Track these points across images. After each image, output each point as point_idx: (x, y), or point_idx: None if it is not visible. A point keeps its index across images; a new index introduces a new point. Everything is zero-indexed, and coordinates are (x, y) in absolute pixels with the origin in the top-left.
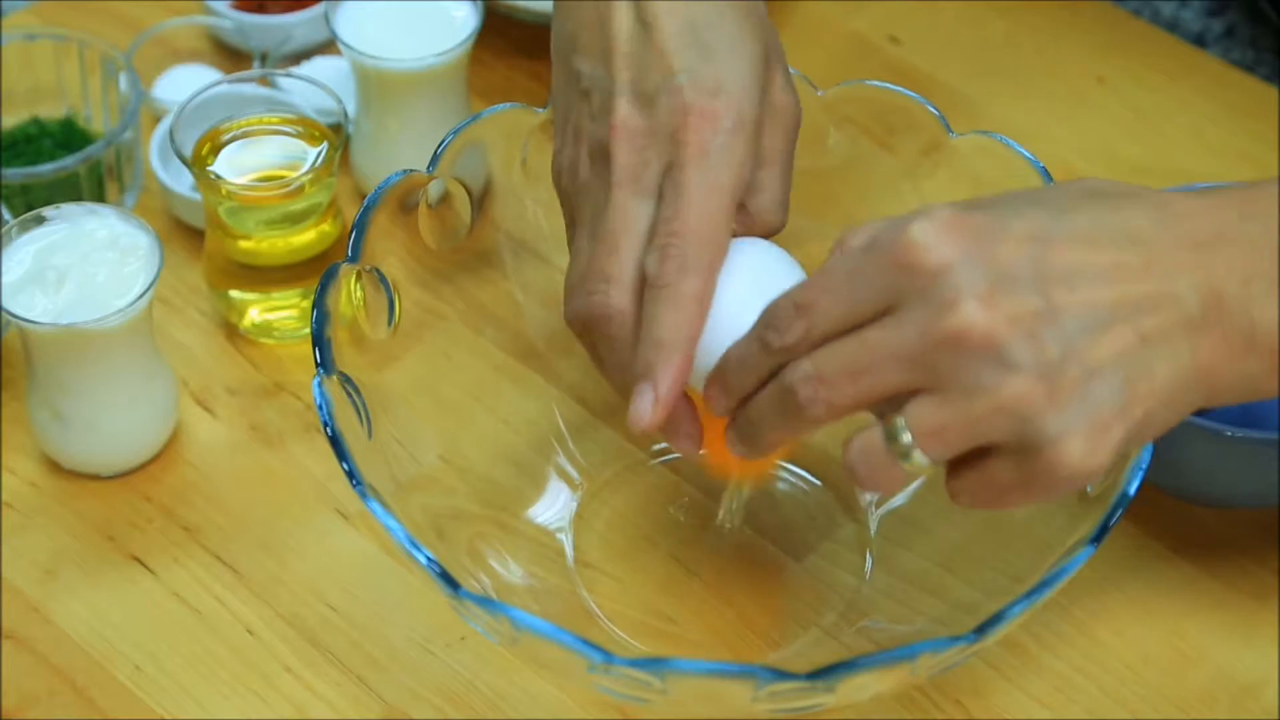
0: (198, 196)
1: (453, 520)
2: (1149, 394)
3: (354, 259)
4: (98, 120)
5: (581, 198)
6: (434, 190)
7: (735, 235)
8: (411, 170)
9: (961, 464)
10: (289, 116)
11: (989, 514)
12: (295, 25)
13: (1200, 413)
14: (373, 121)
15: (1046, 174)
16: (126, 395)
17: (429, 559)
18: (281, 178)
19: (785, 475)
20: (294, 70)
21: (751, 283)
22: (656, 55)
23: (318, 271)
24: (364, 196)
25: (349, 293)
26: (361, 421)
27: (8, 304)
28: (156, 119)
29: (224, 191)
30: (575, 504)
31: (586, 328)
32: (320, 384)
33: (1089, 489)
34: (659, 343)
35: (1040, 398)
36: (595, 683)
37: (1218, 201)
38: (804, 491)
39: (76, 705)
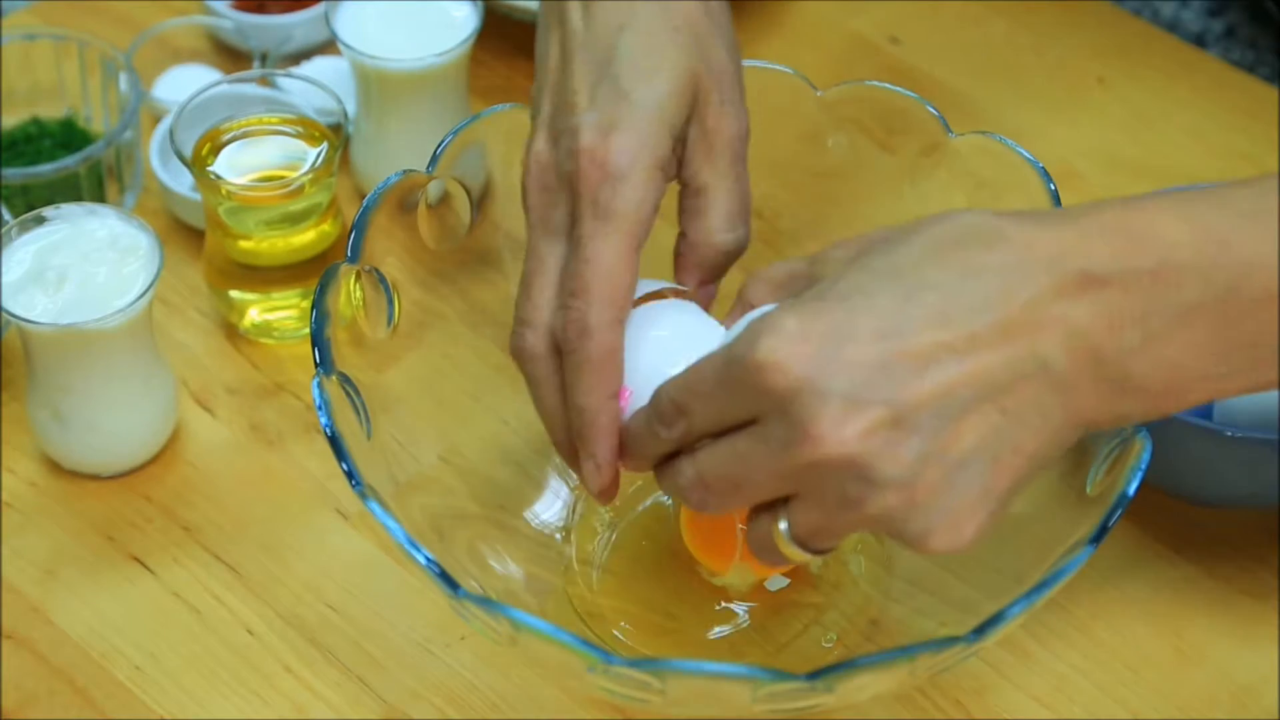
0: (198, 196)
1: (452, 520)
2: (1018, 464)
3: (353, 259)
4: (98, 120)
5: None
6: (434, 190)
7: (686, 263)
8: (411, 170)
9: None
10: (289, 116)
11: None
12: (295, 25)
13: (1200, 413)
14: (373, 122)
15: (1046, 174)
16: (126, 395)
17: (428, 559)
18: (281, 178)
19: None
20: (294, 70)
21: (664, 349)
22: (569, 91)
23: (318, 271)
24: (364, 196)
25: (348, 293)
26: (361, 422)
27: (8, 304)
28: (156, 119)
29: (224, 191)
30: (575, 504)
31: (517, 363)
32: (319, 384)
33: (1088, 489)
34: (581, 409)
35: (902, 507)
36: (595, 683)
37: (1089, 231)
38: None
39: (76, 705)
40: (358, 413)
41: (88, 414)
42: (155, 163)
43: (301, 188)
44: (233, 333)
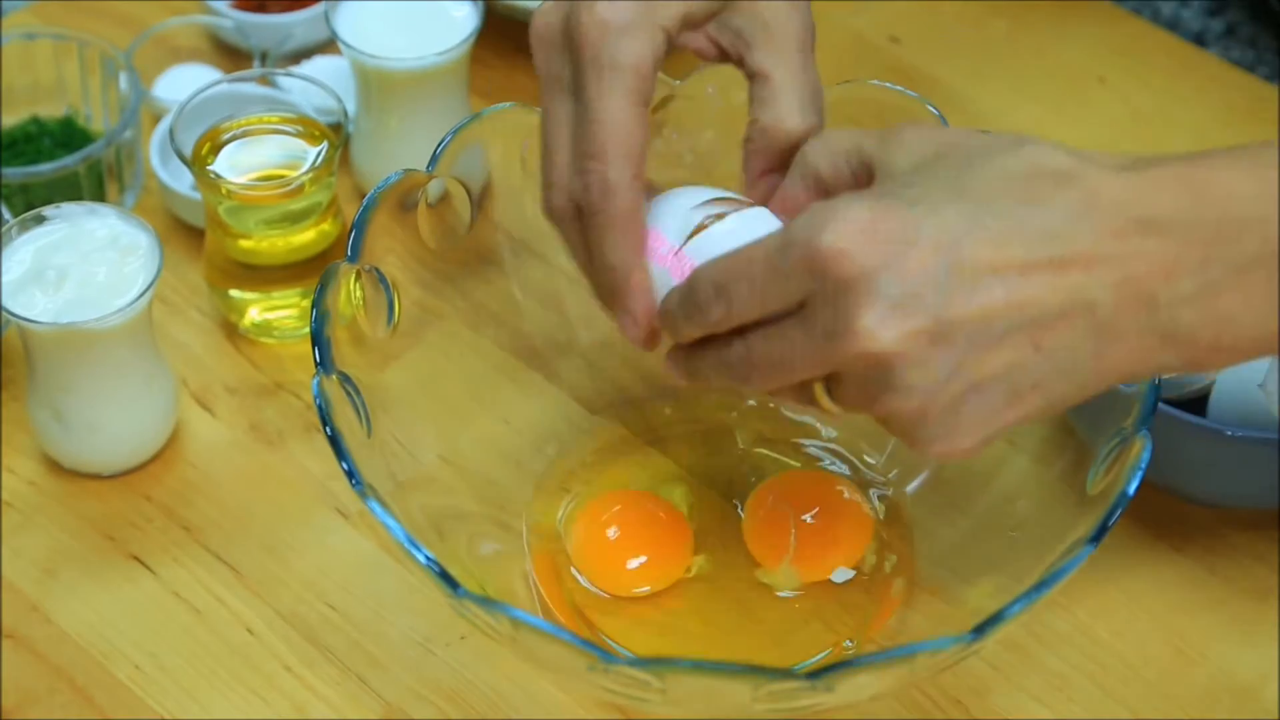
0: (198, 196)
1: (452, 520)
2: (1033, 401)
3: (353, 258)
4: (98, 119)
5: None
6: (433, 189)
7: (756, 148)
8: (411, 170)
9: None
10: (289, 116)
11: (988, 514)
12: (295, 24)
13: (1200, 413)
14: (373, 121)
15: None
16: (126, 395)
17: (428, 558)
18: (281, 177)
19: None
20: (294, 69)
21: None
22: None
23: (318, 271)
24: (364, 196)
25: (348, 292)
26: (361, 421)
27: (8, 303)
28: (156, 118)
29: (224, 191)
30: (575, 503)
31: (552, 224)
32: (319, 383)
33: (1088, 489)
34: (610, 268)
35: (915, 413)
36: (594, 682)
37: (1156, 179)
38: None
39: (76, 704)
40: (358, 412)
41: (88, 413)
42: (155, 162)
43: (301, 187)
44: (233, 332)
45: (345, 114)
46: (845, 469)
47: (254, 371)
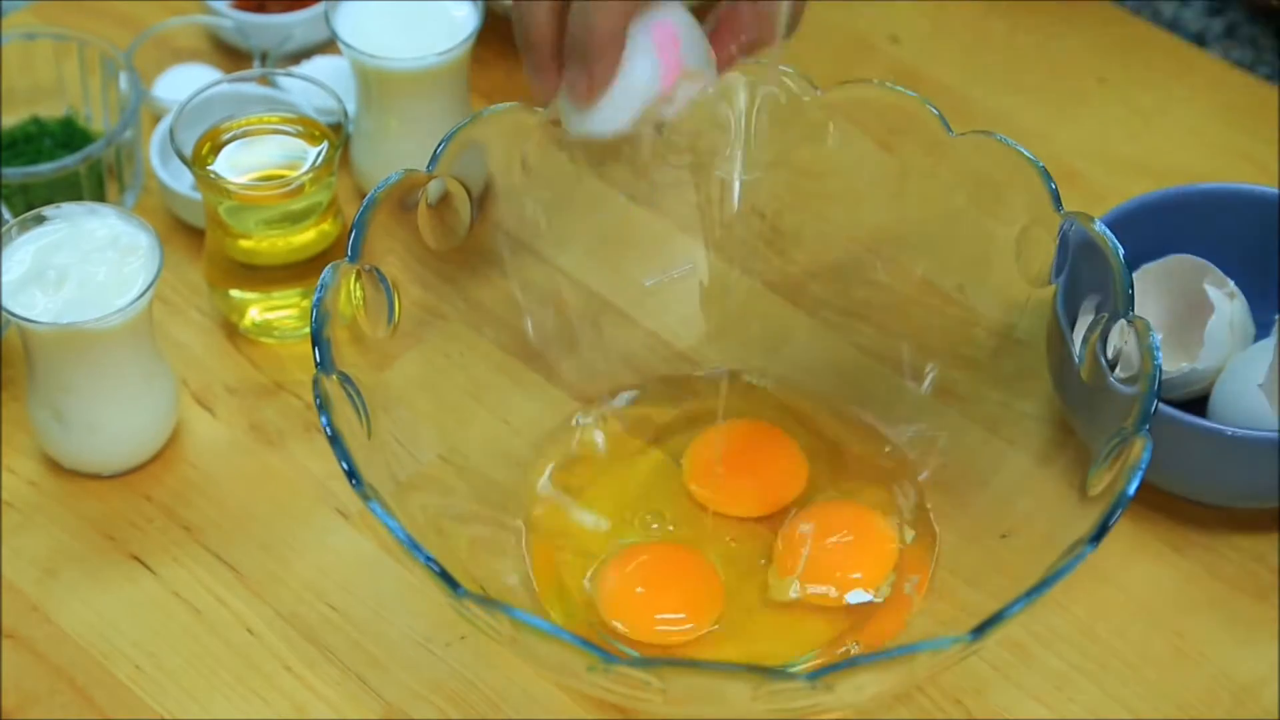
0: (198, 196)
1: (452, 520)
2: None
3: (353, 258)
4: (98, 119)
5: None
6: (433, 190)
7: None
8: (411, 170)
9: None
10: (289, 116)
11: (987, 514)
12: (295, 24)
13: (1200, 413)
14: (373, 121)
15: (1046, 173)
16: (126, 395)
17: (429, 559)
18: (282, 177)
19: None
20: (294, 69)
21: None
22: None
23: (318, 271)
24: (364, 196)
25: (348, 292)
26: (361, 421)
27: (8, 303)
28: (157, 118)
29: (224, 191)
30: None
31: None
32: (319, 384)
33: (1088, 489)
34: (595, 29)
35: None
36: (595, 682)
37: None
38: None
39: (76, 704)
40: (358, 412)
41: (88, 413)
42: (155, 162)
43: (301, 187)
44: (233, 332)
45: (345, 114)
46: None
47: (254, 371)
